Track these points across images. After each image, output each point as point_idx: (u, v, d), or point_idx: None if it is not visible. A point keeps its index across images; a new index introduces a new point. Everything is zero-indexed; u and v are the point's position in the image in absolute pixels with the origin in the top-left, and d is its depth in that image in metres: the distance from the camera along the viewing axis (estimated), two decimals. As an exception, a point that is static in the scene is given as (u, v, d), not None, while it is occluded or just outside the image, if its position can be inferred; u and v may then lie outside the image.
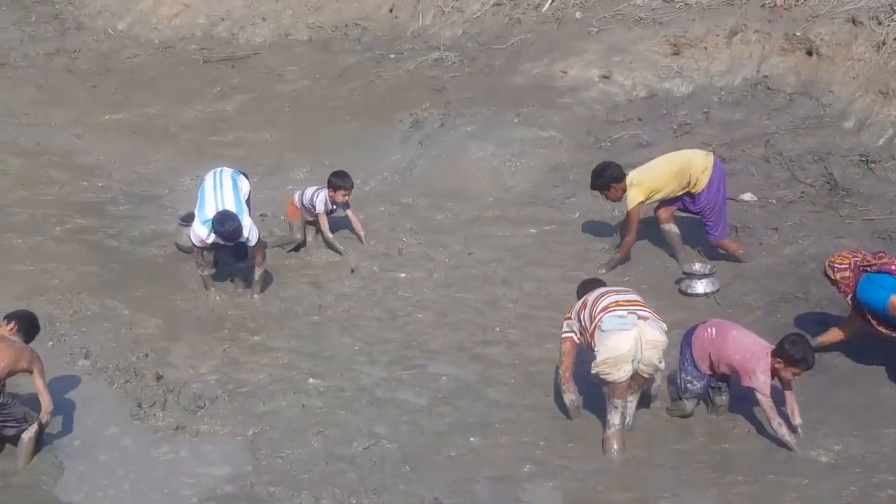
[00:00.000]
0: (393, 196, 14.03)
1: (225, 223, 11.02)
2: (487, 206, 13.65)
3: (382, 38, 18.54)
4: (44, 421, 8.87)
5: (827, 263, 9.78)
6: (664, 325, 8.86)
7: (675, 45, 15.53)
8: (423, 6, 18.63)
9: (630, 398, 8.88)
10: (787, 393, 8.90)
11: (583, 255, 12.34)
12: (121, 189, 14.95)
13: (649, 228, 12.29)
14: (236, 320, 11.28)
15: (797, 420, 8.86)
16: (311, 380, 10.04)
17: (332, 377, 10.10)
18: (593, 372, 8.78)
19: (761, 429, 9.00)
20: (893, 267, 9.31)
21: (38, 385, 8.85)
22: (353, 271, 12.19)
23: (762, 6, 15.42)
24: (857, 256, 9.60)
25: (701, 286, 11.26)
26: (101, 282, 12.09)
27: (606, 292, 9.04)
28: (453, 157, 14.56)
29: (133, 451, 9.06)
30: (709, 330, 9.17)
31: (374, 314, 11.34)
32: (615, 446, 8.78)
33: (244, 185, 11.79)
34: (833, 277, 9.67)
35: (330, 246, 12.52)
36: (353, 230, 12.79)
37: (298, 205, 12.63)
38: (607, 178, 11.84)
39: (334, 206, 12.52)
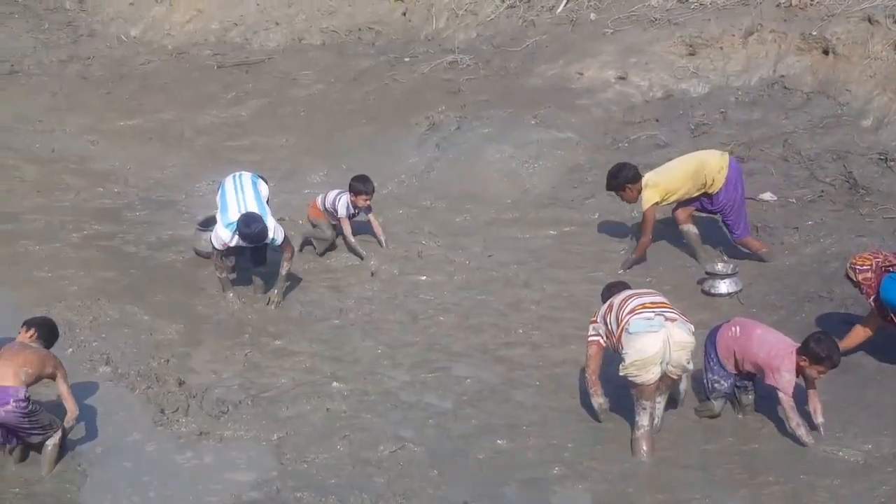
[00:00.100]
0: (411, 199, 14.00)
1: (251, 224, 10.99)
2: (506, 207, 13.61)
3: (396, 42, 18.53)
4: (68, 427, 8.84)
5: (848, 265, 9.73)
6: (692, 326, 8.79)
7: (690, 46, 15.50)
8: (436, 9, 18.63)
9: (658, 399, 8.81)
10: (811, 392, 8.85)
11: (603, 256, 12.29)
12: (137, 195, 14.95)
13: (669, 229, 12.27)
14: (257, 325, 11.23)
15: (819, 419, 8.81)
16: (334, 384, 9.98)
17: (356, 381, 10.04)
18: (621, 374, 8.72)
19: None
20: None
21: (63, 391, 8.82)
22: (373, 274, 12.14)
23: (777, 5, 15.37)
24: (878, 257, 9.55)
25: (724, 286, 11.21)
26: (120, 288, 12.06)
27: (632, 295, 8.97)
28: (471, 159, 14.53)
29: (157, 458, 9.00)
30: (733, 329, 9.12)
31: (396, 317, 11.29)
32: (644, 447, 8.71)
33: (263, 189, 11.76)
34: (855, 279, 9.62)
35: (352, 250, 12.48)
36: (373, 234, 12.72)
37: (321, 207, 12.59)
38: (623, 179, 11.83)
39: (356, 210, 12.46)
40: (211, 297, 11.81)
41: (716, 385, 9.12)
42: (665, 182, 11.71)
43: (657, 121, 14.65)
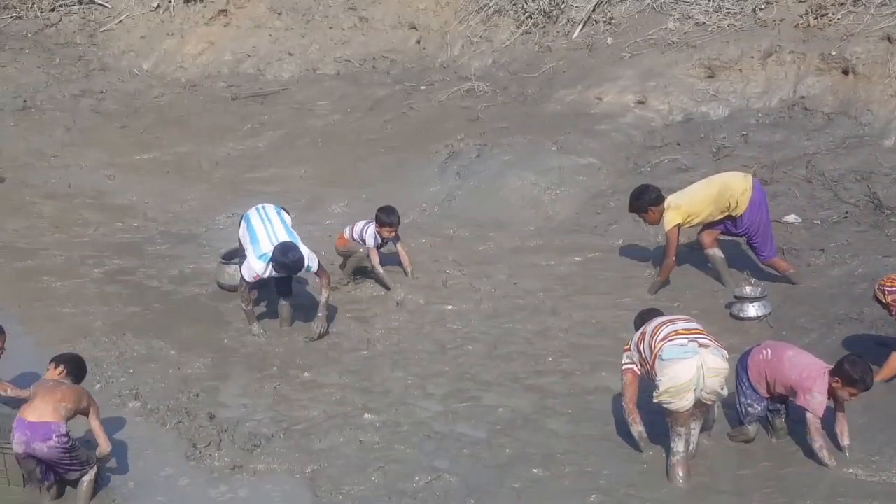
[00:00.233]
0: (433, 228, 13.96)
1: (288, 254, 10.96)
2: (530, 235, 13.58)
3: (412, 70, 18.52)
4: (100, 463, 8.80)
5: (877, 287, 9.72)
6: (725, 352, 8.72)
7: (709, 69, 15.51)
8: (450, 37, 18.63)
9: (693, 425, 8.74)
10: (840, 414, 8.82)
11: (629, 282, 12.24)
12: (157, 229, 14.92)
13: (695, 254, 12.25)
14: (284, 357, 11.17)
15: (846, 441, 8.78)
16: (366, 415, 9.91)
17: (388, 412, 9.97)
18: (655, 401, 8.66)
19: (824, 451, 8.88)
20: None
21: (95, 426, 8.80)
22: (398, 304, 12.07)
23: (796, 26, 15.39)
24: None
25: (753, 309, 11.15)
26: (145, 322, 12.03)
27: (665, 321, 8.91)
28: (492, 186, 14.52)
29: (191, 493, 8.94)
30: (764, 352, 9.06)
31: (424, 347, 11.23)
32: (680, 474, 8.64)
33: (288, 219, 11.72)
34: (884, 300, 9.61)
35: (379, 280, 12.43)
36: (398, 263, 12.69)
37: (349, 238, 12.56)
38: (645, 202, 11.82)
39: (384, 241, 12.43)
40: (237, 330, 11.76)
41: (749, 409, 9.05)
42: (687, 204, 11.68)
43: (678, 144, 14.63)
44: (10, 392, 9.60)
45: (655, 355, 8.63)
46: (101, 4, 21.93)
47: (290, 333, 11.64)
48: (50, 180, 16.77)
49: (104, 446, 8.79)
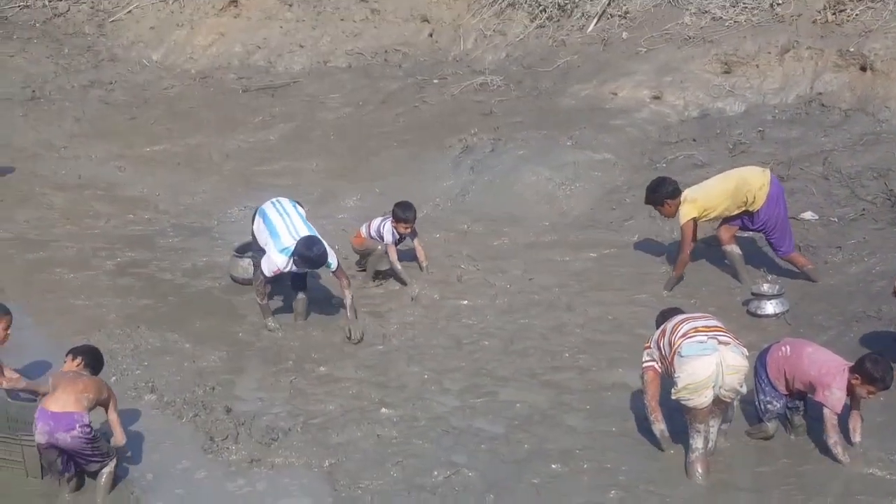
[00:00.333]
0: (447, 222, 13.91)
1: (313, 248, 10.92)
2: (544, 230, 13.53)
3: (424, 64, 18.47)
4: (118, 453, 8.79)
5: (895, 284, 9.71)
6: (745, 349, 8.67)
7: (726, 64, 15.46)
8: (463, 30, 18.59)
9: (712, 423, 8.68)
10: (854, 412, 8.79)
11: (645, 278, 12.18)
12: (168, 221, 14.90)
13: (711, 250, 12.20)
14: (299, 351, 11.10)
15: (857, 438, 8.76)
16: (382, 410, 9.84)
17: (405, 407, 9.90)
18: (674, 398, 8.60)
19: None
20: None
21: (113, 418, 8.79)
22: (413, 299, 12.01)
23: (814, 22, 15.33)
24: None
25: (771, 307, 11.09)
26: (158, 315, 11.98)
27: (685, 319, 8.87)
28: (507, 181, 14.47)
29: (209, 486, 8.87)
30: (783, 349, 9.02)
31: (440, 342, 11.16)
32: (699, 470, 8.58)
33: (303, 213, 11.66)
34: None
35: (397, 275, 12.37)
36: (412, 258, 12.63)
37: (366, 236, 12.50)
38: (662, 194, 11.78)
39: (401, 237, 12.37)
40: (251, 323, 11.70)
41: (768, 406, 9.01)
42: (704, 198, 11.63)
43: (694, 140, 14.58)
44: (24, 384, 9.54)
45: (675, 352, 8.59)
46: (110, -6, 21.89)
47: (305, 328, 11.59)
48: (60, 171, 16.76)
49: (120, 438, 8.77)
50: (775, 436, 9.07)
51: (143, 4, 21.64)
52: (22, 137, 17.71)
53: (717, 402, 8.56)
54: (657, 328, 9.10)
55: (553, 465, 8.89)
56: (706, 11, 16.45)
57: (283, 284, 11.94)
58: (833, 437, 8.63)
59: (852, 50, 14.58)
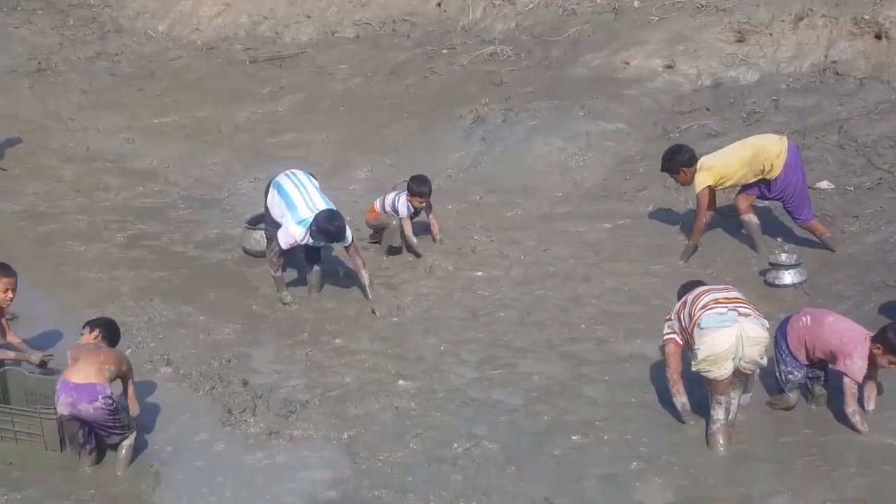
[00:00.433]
0: (460, 194, 13.84)
1: (333, 222, 10.87)
2: (558, 201, 13.47)
3: (433, 34, 18.33)
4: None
5: None
6: (765, 321, 8.61)
7: (739, 33, 15.34)
8: (472, 0, 18.39)
9: (733, 394, 8.63)
10: (870, 381, 8.76)
11: (660, 249, 12.11)
12: (179, 193, 14.85)
13: (727, 220, 12.13)
14: (314, 323, 11.05)
15: (871, 406, 8.75)
16: (400, 382, 9.79)
17: (422, 379, 9.85)
18: (694, 369, 8.55)
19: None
20: None
21: (130, 390, 8.80)
22: (427, 271, 11.95)
23: (827, -11, 15.20)
24: None
25: (788, 277, 11.02)
26: (172, 287, 11.95)
27: (706, 290, 8.80)
28: (519, 152, 14.40)
29: (227, 458, 8.82)
30: (803, 319, 8.97)
31: (456, 314, 11.10)
32: (721, 441, 8.55)
33: (317, 185, 11.58)
34: None
35: (411, 248, 12.31)
36: (425, 231, 12.59)
37: (380, 210, 12.44)
38: (677, 162, 11.71)
39: (417, 210, 12.31)
40: (265, 296, 11.66)
41: (789, 376, 8.97)
42: (720, 166, 11.55)
43: (708, 110, 14.48)
44: (12, 356, 9.51)
45: (694, 324, 8.53)
46: (114, -36, 21.71)
47: (320, 300, 11.54)
48: (68, 144, 16.69)
49: (134, 410, 8.79)
50: (796, 406, 9.04)
51: (147, -25, 21.45)
52: (29, 110, 17.61)
53: (738, 373, 8.50)
54: (678, 300, 9.04)
55: (574, 437, 8.85)
56: (719, -21, 16.33)
57: (296, 257, 11.88)
58: (851, 406, 8.61)
59: (867, 17, 14.45)
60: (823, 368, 8.98)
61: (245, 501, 8.30)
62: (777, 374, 9.04)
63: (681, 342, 8.81)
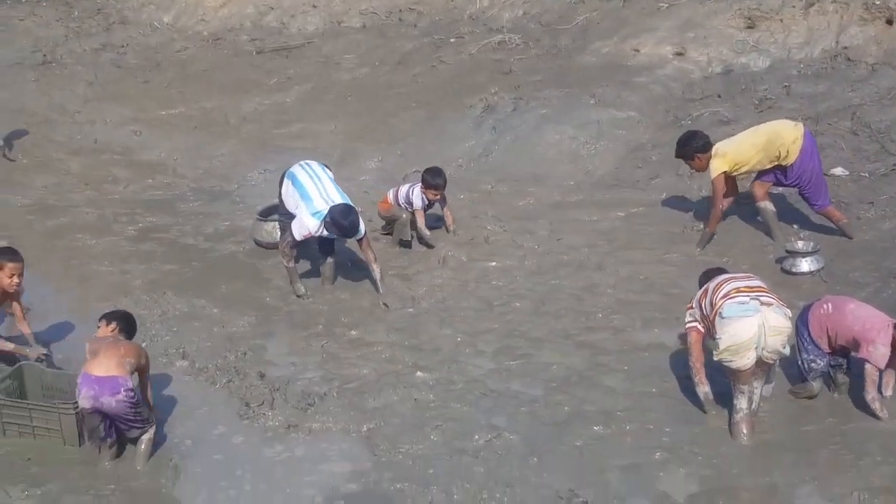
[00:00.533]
0: (471, 183, 13.77)
1: (347, 217, 10.81)
2: (570, 190, 13.40)
3: (439, 23, 18.27)
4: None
5: None
6: (788, 310, 8.54)
7: (749, 19, 15.26)
8: (479, -12, 18.35)
9: (756, 383, 8.57)
10: (890, 369, 8.70)
11: (674, 237, 12.05)
12: (188, 185, 14.80)
13: (741, 208, 12.07)
14: (329, 315, 10.99)
15: (889, 392, 8.71)
16: (418, 373, 9.74)
17: (440, 370, 9.79)
18: (716, 359, 8.49)
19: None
20: None
21: (146, 383, 8.77)
22: (441, 262, 11.89)
23: (838, -25, 15.12)
24: None
25: (806, 264, 10.96)
26: (183, 280, 11.89)
27: (727, 279, 8.74)
28: (530, 141, 14.34)
29: (246, 451, 8.77)
30: (825, 306, 8.92)
31: (470, 304, 11.04)
32: (744, 431, 8.49)
33: (332, 176, 11.52)
34: None
35: (424, 241, 12.25)
36: (437, 221, 12.54)
37: (393, 202, 12.36)
38: (692, 148, 11.67)
39: (430, 203, 12.25)
40: (277, 287, 11.60)
41: (812, 365, 8.91)
42: (734, 152, 11.49)
43: (719, 97, 14.40)
44: (11, 348, 9.52)
45: (716, 312, 8.46)
46: (117, -45, 21.62)
47: (333, 291, 11.48)
48: (75, 136, 16.65)
49: (150, 404, 8.78)
50: (819, 394, 8.98)
51: (151, -35, 21.37)
52: (35, 102, 17.58)
53: (760, 363, 8.44)
54: (699, 288, 8.99)
55: (595, 427, 8.79)
56: (728, -34, 16.24)
57: (309, 248, 11.82)
58: (871, 393, 8.58)
59: (877, 2, 14.37)
60: (845, 356, 8.93)
61: (265, 495, 8.25)
62: (799, 362, 8.98)
63: (703, 330, 8.75)
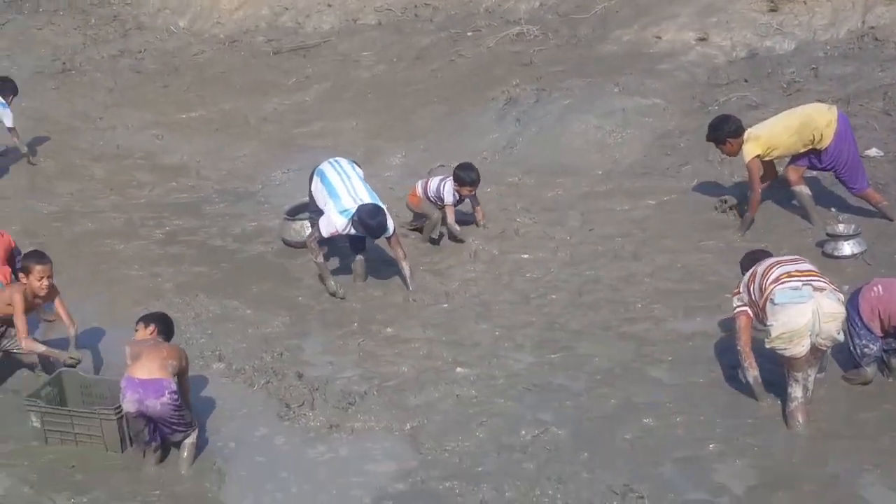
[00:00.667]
0: (497, 176, 13.61)
1: (375, 217, 10.69)
2: (598, 179, 13.25)
3: (455, 17, 18.14)
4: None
5: None
6: (841, 295, 8.37)
7: (772, 2, 15.17)
8: (494, -18, 18.21)
9: (810, 371, 8.37)
10: None
11: (709, 224, 11.87)
12: (212, 187, 14.71)
13: (776, 192, 11.89)
14: (362, 313, 10.86)
15: None
16: (458, 369, 9.60)
17: (480, 365, 9.66)
18: (768, 346, 8.30)
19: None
20: None
21: (186, 385, 8.70)
22: (472, 256, 11.76)
23: (862, -46, 14.96)
24: None
25: (848, 247, 10.79)
26: (213, 282, 11.80)
27: (777, 262, 8.55)
28: (555, 132, 14.20)
29: (289, 453, 8.66)
30: (875, 289, 8.70)
31: (506, 298, 10.90)
32: (800, 419, 8.29)
33: (361, 174, 11.40)
34: None
35: (454, 235, 12.11)
36: (465, 215, 12.41)
37: (422, 195, 12.22)
38: (724, 132, 11.54)
39: (462, 198, 12.12)
40: (308, 287, 11.49)
41: (865, 350, 8.70)
42: (767, 136, 11.35)
43: (746, 81, 14.26)
44: (42, 349, 9.45)
45: (766, 298, 8.28)
46: (132, -38, 21.52)
47: (365, 289, 11.34)
48: (97, 142, 16.57)
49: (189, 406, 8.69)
50: (873, 380, 8.79)
51: (165, -29, 21.28)
52: (56, 110, 17.52)
53: (814, 350, 8.24)
54: (743, 271, 8.83)
55: (644, 420, 8.62)
56: (749, -52, 16.08)
57: (339, 245, 11.72)
58: None
59: (903, -19, 14.24)
60: (899, 338, 8.74)
61: (310, 496, 8.14)
62: (851, 347, 8.75)
63: (752, 315, 8.58)
